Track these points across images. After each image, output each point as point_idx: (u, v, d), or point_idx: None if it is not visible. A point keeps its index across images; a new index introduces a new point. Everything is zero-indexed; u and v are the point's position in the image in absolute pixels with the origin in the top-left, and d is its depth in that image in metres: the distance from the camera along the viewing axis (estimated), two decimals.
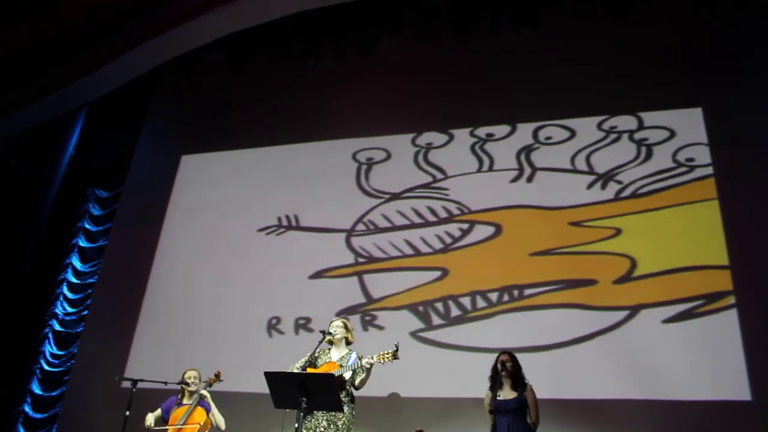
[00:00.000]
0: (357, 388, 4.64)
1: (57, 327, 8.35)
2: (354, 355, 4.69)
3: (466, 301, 6.32)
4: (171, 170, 8.29)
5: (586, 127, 6.76)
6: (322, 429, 4.44)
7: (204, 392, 5.22)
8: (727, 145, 6.19)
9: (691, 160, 6.25)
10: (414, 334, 6.34)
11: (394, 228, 6.94)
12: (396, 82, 7.77)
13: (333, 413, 4.45)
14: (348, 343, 4.83)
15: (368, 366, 4.51)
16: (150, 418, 5.19)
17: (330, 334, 4.74)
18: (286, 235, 7.32)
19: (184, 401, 5.29)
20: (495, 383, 4.79)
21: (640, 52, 6.90)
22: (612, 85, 6.84)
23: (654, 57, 6.81)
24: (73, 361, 7.78)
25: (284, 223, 7.39)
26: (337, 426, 4.46)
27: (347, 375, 4.55)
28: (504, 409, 4.65)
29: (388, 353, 4.43)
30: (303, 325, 6.70)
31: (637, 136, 6.54)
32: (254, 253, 7.33)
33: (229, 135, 8.20)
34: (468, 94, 7.34)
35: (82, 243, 8.78)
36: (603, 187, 6.41)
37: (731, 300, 5.58)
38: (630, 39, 7.00)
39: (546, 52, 7.28)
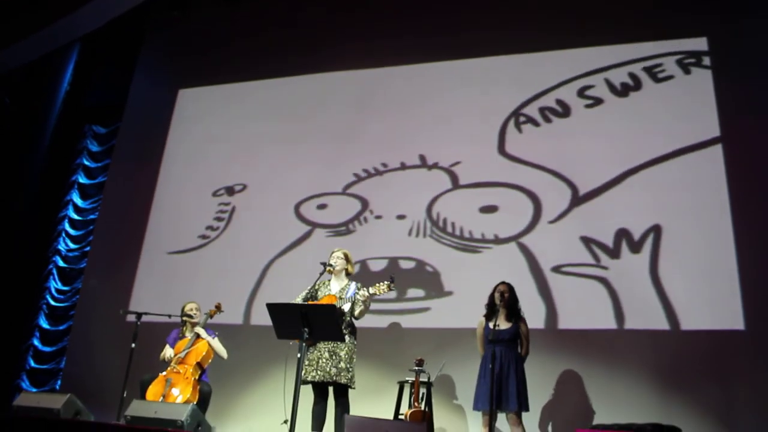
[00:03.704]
0: (357, 318, 4.73)
1: (61, 263, 8.46)
2: (353, 286, 4.75)
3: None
4: (168, 104, 8.20)
5: (586, 57, 6.62)
6: (324, 360, 4.53)
7: (198, 329, 5.31)
8: (730, 78, 6.07)
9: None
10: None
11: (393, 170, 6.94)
12: (395, 12, 7.58)
13: (335, 344, 4.54)
14: (348, 273, 4.89)
15: (364, 298, 4.58)
16: (168, 351, 5.32)
17: (330, 265, 4.79)
18: (287, 168, 7.27)
19: (187, 333, 5.42)
20: (491, 312, 4.90)
21: None
22: (612, 14, 6.64)
23: None
24: (78, 296, 7.92)
25: (285, 155, 7.35)
26: (340, 356, 4.55)
27: (346, 307, 4.63)
28: (498, 338, 4.76)
29: (383, 284, 4.51)
30: (305, 256, 6.73)
31: (640, 65, 6.41)
32: (254, 186, 7.33)
33: (225, 68, 8.06)
34: (462, 24, 7.16)
35: (82, 180, 8.79)
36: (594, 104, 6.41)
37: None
38: None
39: None
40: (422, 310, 6.22)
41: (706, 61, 6.21)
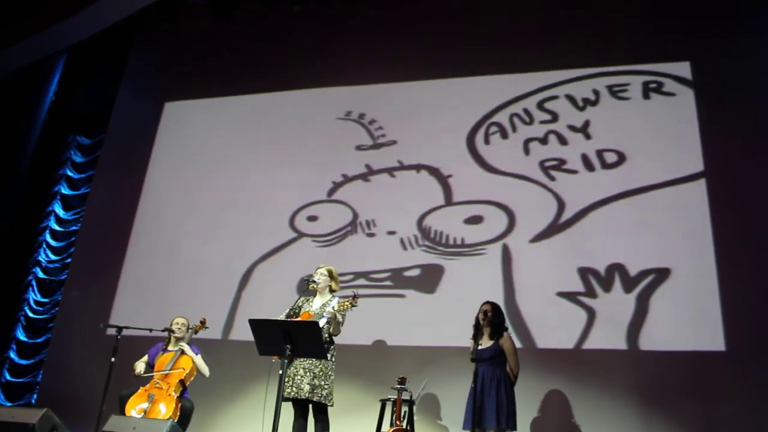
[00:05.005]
0: (334, 335, 4.69)
1: (40, 274, 8.34)
2: (335, 302, 4.70)
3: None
4: (154, 117, 8.15)
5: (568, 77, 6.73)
6: (300, 376, 4.48)
7: (183, 345, 5.27)
8: (714, 101, 6.17)
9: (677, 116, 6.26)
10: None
11: (378, 171, 6.96)
12: (384, 29, 7.65)
13: (311, 360, 4.48)
14: (332, 290, 4.86)
15: (330, 315, 4.51)
16: (140, 365, 5.27)
17: (314, 282, 4.76)
18: (271, 184, 7.26)
19: (170, 348, 5.36)
20: (477, 332, 4.89)
21: (629, 2, 6.82)
22: (599, 37, 6.76)
23: (643, 8, 6.74)
24: (57, 309, 7.80)
25: (270, 171, 7.34)
26: (314, 373, 4.48)
27: (321, 322, 4.58)
28: (479, 357, 4.74)
29: (346, 301, 4.44)
30: (287, 273, 6.70)
31: (623, 88, 6.51)
32: (239, 201, 7.28)
33: (213, 82, 8.05)
34: (455, 42, 7.23)
35: (65, 190, 8.70)
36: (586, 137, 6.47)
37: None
38: None
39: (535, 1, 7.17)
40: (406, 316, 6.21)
41: (689, 84, 6.33)
